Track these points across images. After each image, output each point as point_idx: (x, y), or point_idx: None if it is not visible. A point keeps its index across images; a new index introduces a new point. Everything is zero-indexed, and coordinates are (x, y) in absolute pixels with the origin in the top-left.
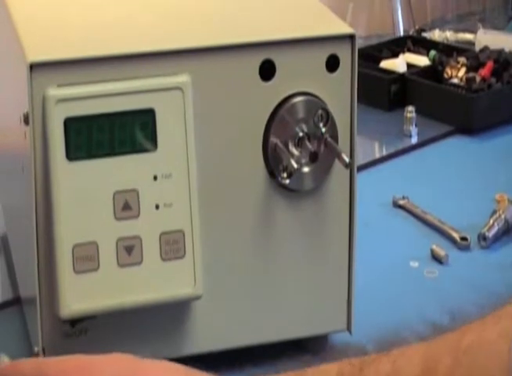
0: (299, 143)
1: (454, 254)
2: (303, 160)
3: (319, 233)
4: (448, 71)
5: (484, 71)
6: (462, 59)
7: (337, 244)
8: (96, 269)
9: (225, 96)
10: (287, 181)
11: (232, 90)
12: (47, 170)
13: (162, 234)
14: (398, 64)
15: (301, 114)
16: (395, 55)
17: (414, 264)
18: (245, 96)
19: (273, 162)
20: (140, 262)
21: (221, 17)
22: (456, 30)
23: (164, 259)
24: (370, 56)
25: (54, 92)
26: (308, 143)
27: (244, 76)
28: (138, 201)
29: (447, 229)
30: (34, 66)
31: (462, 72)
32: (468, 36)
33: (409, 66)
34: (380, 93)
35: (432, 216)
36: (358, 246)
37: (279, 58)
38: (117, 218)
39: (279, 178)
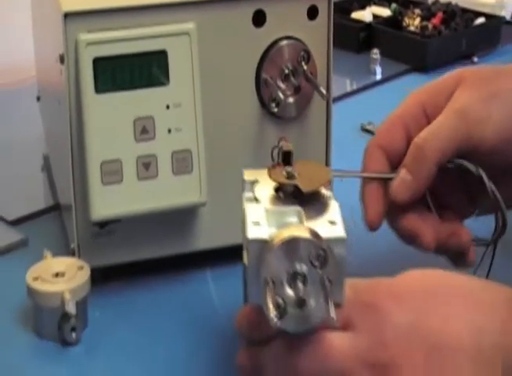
0: (285, 79)
1: None
2: (288, 93)
3: (301, 152)
4: (407, 21)
5: (436, 20)
6: (417, 11)
7: (316, 160)
8: (120, 181)
9: (224, 40)
10: (276, 109)
11: (229, 35)
12: (79, 101)
13: (173, 153)
14: (365, 15)
15: (286, 55)
16: (363, 7)
17: None
18: (241, 40)
19: (264, 94)
20: (156, 176)
21: None
22: None
23: (175, 173)
24: (343, 8)
25: (84, 36)
26: (292, 79)
27: (240, 23)
28: (154, 126)
29: None
30: (67, 15)
31: (417, 21)
32: None
33: (375, 16)
34: (351, 38)
35: None
36: (333, 163)
37: (269, 8)
38: (137, 140)
39: (269, 107)
